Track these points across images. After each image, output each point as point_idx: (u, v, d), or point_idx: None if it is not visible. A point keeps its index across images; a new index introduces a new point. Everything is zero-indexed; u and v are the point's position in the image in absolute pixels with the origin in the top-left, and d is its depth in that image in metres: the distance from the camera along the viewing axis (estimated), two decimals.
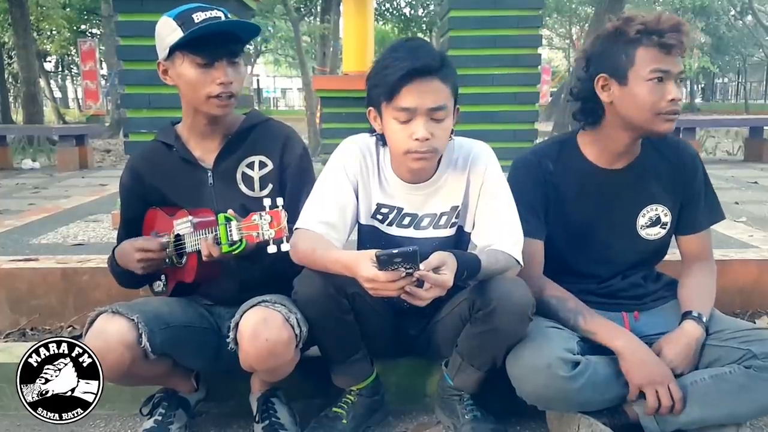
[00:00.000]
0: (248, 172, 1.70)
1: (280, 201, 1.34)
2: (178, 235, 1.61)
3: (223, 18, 1.55)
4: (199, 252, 1.51)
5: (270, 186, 1.71)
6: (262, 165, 1.71)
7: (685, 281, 1.74)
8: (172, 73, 1.60)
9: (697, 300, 1.66)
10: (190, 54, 1.54)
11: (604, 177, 1.70)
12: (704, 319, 1.60)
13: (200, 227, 1.54)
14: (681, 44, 1.52)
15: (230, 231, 1.41)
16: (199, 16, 1.53)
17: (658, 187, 1.70)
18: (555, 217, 1.64)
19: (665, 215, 1.72)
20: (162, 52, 1.59)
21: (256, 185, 1.70)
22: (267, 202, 1.33)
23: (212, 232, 1.48)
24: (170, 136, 1.71)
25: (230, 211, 1.44)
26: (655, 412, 1.52)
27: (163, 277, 1.74)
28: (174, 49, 1.54)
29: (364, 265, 1.30)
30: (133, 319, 1.50)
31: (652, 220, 1.72)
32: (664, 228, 1.72)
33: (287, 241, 1.35)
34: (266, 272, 1.59)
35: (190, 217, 1.57)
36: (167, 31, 1.55)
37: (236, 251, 1.42)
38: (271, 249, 1.33)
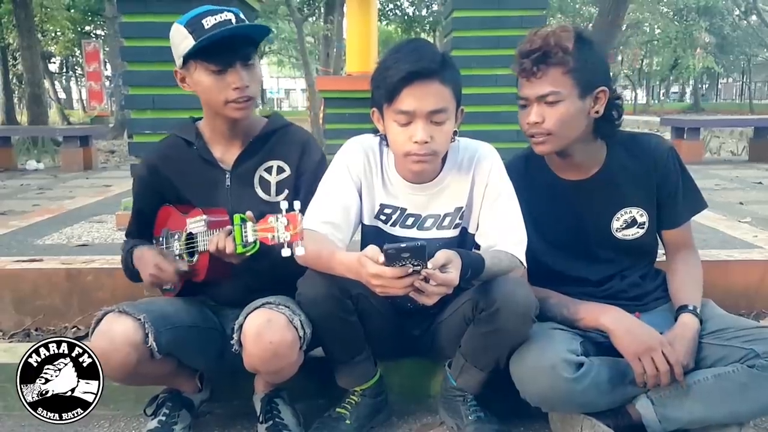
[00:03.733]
0: (266, 176, 1.70)
1: (297, 204, 1.32)
2: (190, 234, 1.60)
3: (233, 20, 1.53)
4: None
5: (286, 191, 1.71)
6: (280, 170, 1.71)
7: (672, 273, 1.74)
8: (189, 81, 1.60)
9: (689, 291, 1.67)
10: (202, 62, 1.53)
11: (572, 189, 1.70)
12: (698, 311, 1.62)
13: (213, 226, 1.54)
14: (534, 69, 1.53)
15: (245, 232, 1.39)
16: (209, 21, 1.51)
17: (631, 189, 1.69)
18: (531, 230, 1.64)
19: (641, 216, 1.71)
20: (177, 60, 1.58)
21: (273, 190, 1.71)
22: (284, 205, 1.31)
23: (225, 229, 1.47)
24: (191, 133, 1.70)
25: (248, 213, 1.41)
26: (655, 382, 1.51)
27: None
28: (187, 57, 1.54)
29: (369, 263, 1.30)
30: (139, 319, 1.50)
31: (627, 222, 1.71)
32: (642, 228, 1.72)
33: (302, 245, 1.31)
34: (272, 274, 1.59)
35: (205, 216, 1.56)
36: (179, 38, 1.54)
37: (250, 252, 1.41)
38: (285, 252, 1.30)
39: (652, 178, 1.69)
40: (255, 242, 1.38)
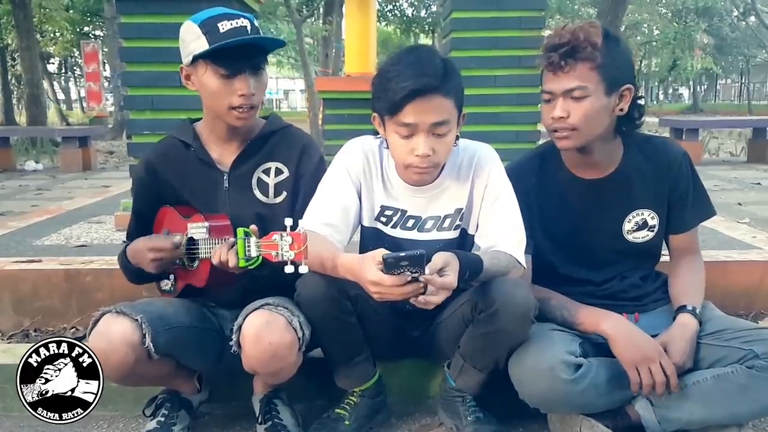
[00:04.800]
0: (264, 178, 1.70)
1: (289, 221, 1.30)
2: (191, 238, 1.59)
3: (249, 27, 1.53)
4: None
5: (284, 194, 1.70)
6: (278, 172, 1.71)
7: (675, 277, 1.74)
8: (194, 80, 1.59)
9: (690, 294, 1.67)
10: (212, 64, 1.52)
11: (587, 187, 1.70)
12: (698, 312, 1.61)
13: (215, 233, 1.53)
14: (561, 63, 1.51)
15: (248, 247, 1.37)
16: (224, 26, 1.51)
17: (644, 191, 1.69)
18: (540, 229, 1.64)
19: (652, 219, 1.71)
20: (185, 58, 1.57)
21: (271, 192, 1.70)
22: (288, 221, 1.29)
23: (228, 241, 1.45)
24: (188, 134, 1.69)
25: (253, 227, 1.40)
26: (650, 391, 1.51)
27: (171, 276, 1.73)
28: (197, 57, 1.53)
29: (369, 269, 1.30)
30: (137, 320, 1.50)
31: (638, 225, 1.71)
32: (652, 231, 1.71)
33: (305, 263, 1.29)
34: (272, 278, 1.59)
35: (207, 223, 1.55)
36: (191, 37, 1.54)
37: (252, 266, 1.39)
38: (289, 269, 1.28)
39: (665, 180, 1.69)
40: (258, 257, 1.36)
